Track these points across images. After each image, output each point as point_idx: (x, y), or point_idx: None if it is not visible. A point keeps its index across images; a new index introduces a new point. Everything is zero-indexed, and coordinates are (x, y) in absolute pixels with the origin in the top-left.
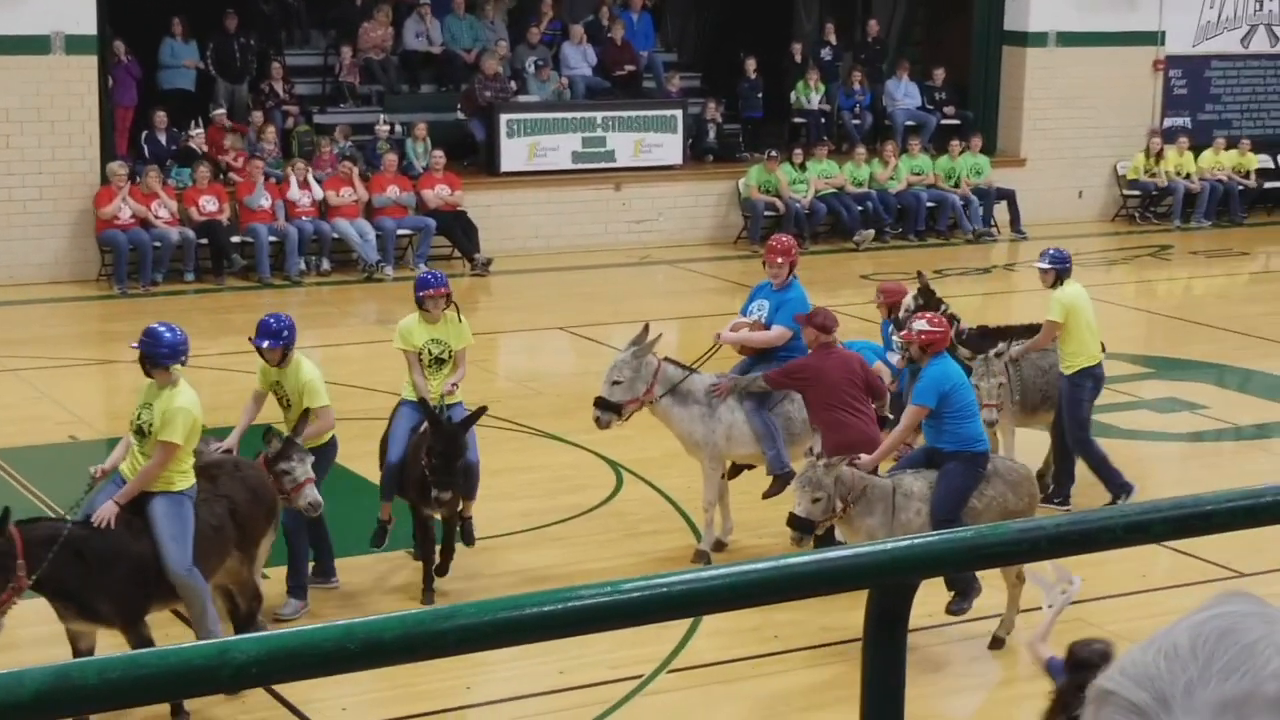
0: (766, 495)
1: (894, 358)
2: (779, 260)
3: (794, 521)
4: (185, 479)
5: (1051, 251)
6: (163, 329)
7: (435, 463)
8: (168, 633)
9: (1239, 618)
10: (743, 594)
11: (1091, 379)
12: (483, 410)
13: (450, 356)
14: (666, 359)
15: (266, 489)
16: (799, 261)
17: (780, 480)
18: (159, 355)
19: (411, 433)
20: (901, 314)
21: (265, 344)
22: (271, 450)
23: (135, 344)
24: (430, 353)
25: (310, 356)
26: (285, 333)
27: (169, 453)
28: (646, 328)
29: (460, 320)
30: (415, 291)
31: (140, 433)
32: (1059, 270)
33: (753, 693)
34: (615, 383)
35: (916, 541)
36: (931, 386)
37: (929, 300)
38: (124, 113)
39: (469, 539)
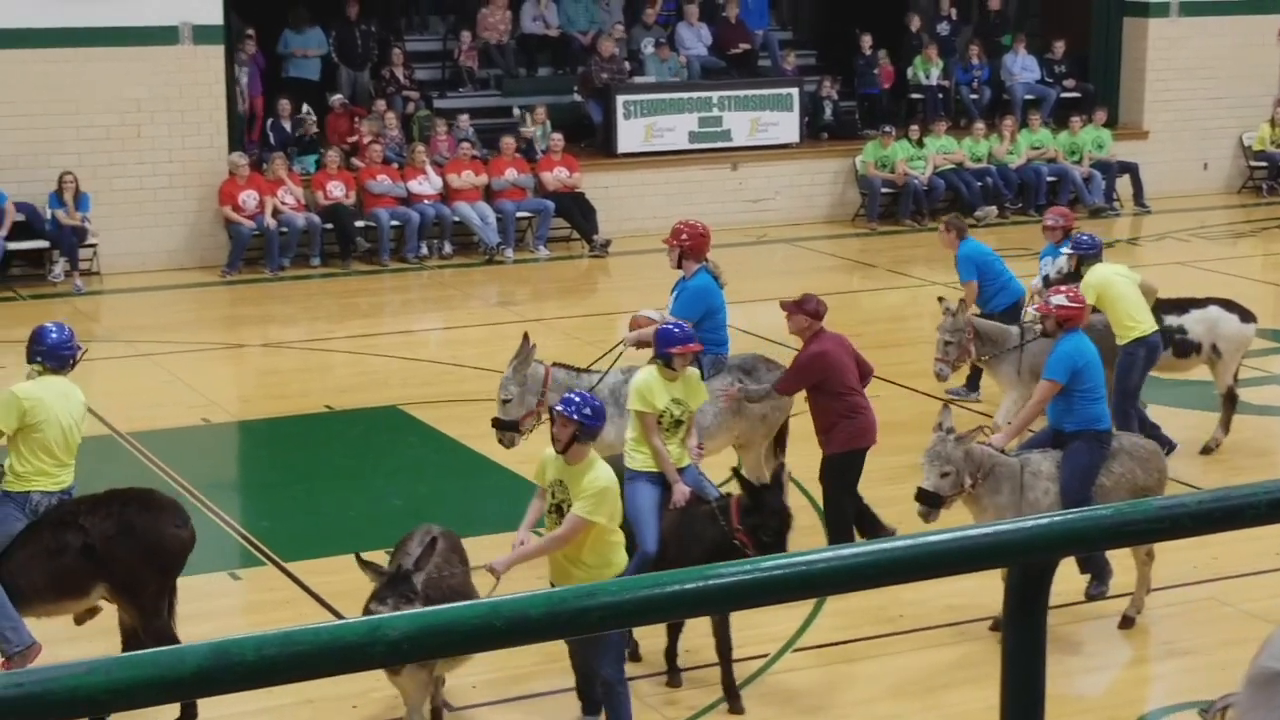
0: None
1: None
2: (670, 244)
3: (922, 496)
4: (19, 482)
5: (1079, 236)
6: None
7: (769, 541)
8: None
9: None
10: (884, 571)
11: (1144, 348)
12: (781, 467)
13: (687, 418)
14: (556, 364)
15: (150, 531)
16: (702, 247)
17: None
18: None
19: (659, 510)
20: (1053, 274)
21: (575, 414)
22: (374, 582)
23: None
24: (671, 414)
25: (431, 339)
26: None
27: None
28: (525, 337)
29: (699, 376)
30: (658, 346)
31: None
32: (1082, 255)
33: (878, 672)
34: (505, 401)
35: (1057, 519)
36: (1064, 362)
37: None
38: (252, 101)
39: None
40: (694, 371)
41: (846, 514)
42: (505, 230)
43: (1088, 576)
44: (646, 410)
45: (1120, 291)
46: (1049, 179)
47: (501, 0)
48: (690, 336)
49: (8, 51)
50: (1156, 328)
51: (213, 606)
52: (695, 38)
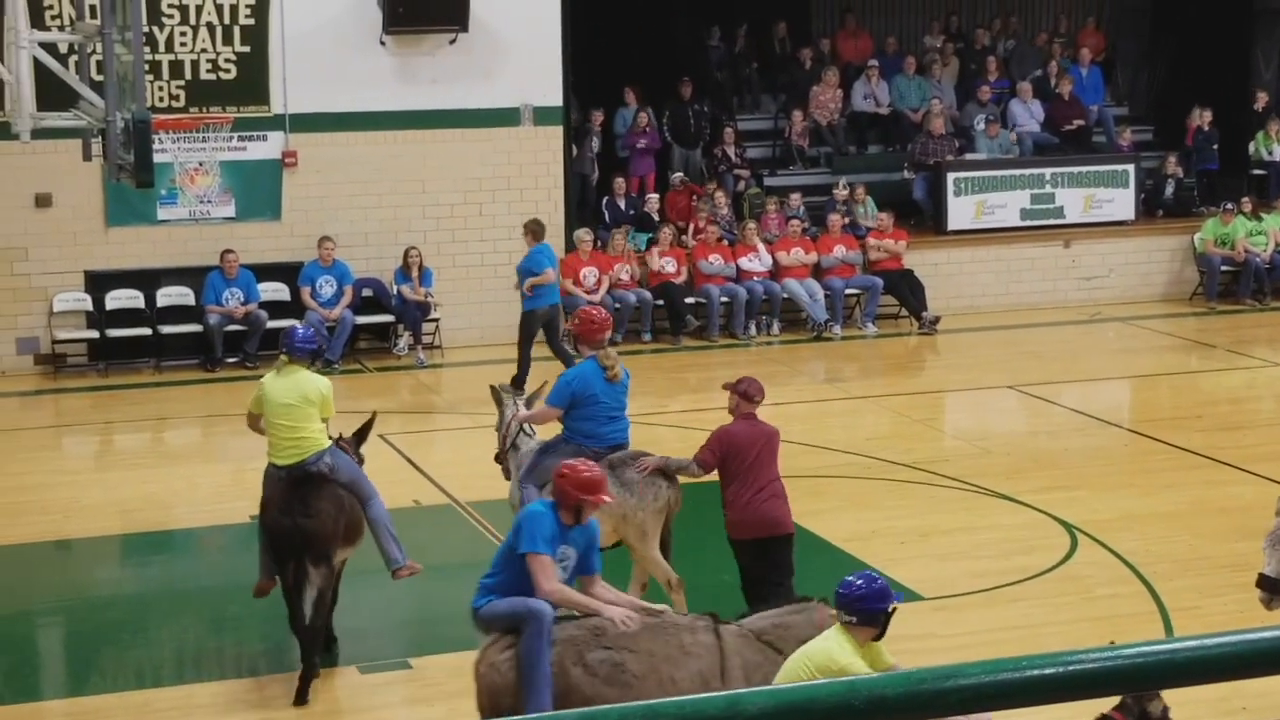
0: None
1: None
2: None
3: (1265, 583)
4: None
5: None
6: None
7: None
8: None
9: None
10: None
11: None
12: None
13: None
14: (519, 415)
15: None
16: (592, 334)
17: None
18: None
19: None
20: None
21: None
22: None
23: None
24: None
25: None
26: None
27: None
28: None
29: None
30: None
31: None
32: None
33: None
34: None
35: None
36: None
37: None
38: (635, 182)
39: None
40: None
41: None
42: (834, 307)
43: None
44: None
45: None
46: None
47: (833, 79)
48: None
49: (362, 133)
50: None
51: None
52: (1028, 114)
